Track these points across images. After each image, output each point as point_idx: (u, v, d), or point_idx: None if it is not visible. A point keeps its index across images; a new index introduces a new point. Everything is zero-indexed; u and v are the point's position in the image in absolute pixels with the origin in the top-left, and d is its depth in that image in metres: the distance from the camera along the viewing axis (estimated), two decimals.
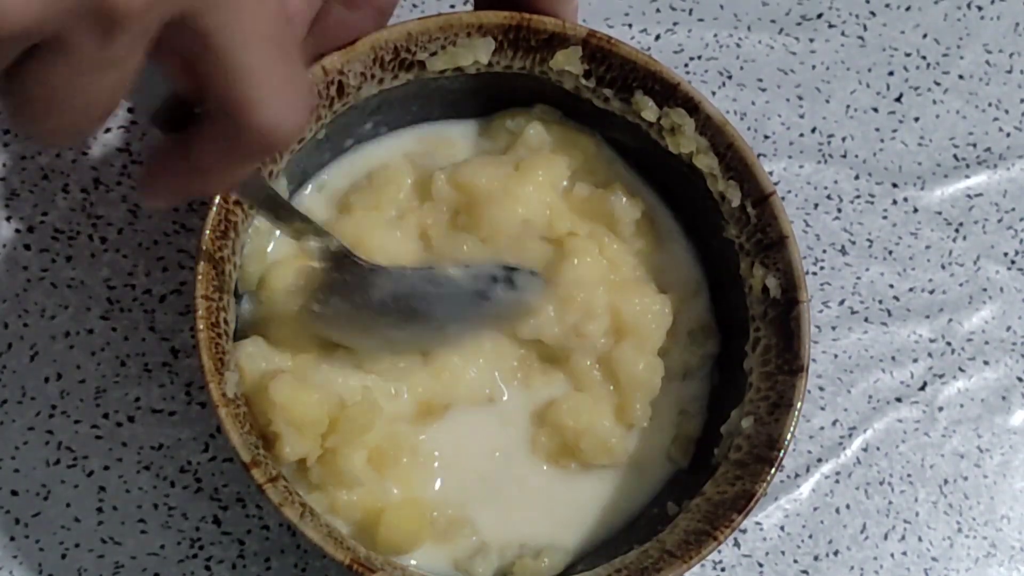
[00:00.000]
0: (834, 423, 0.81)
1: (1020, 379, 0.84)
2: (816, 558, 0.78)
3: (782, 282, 0.69)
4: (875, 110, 0.88)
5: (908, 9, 0.90)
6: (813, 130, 0.86)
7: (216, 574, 0.72)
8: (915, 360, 0.83)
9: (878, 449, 0.80)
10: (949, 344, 0.84)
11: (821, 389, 0.81)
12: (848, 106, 0.87)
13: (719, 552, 0.77)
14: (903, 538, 0.79)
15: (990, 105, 0.89)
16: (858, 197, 0.85)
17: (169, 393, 0.75)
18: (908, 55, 0.89)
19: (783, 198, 0.82)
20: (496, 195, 0.72)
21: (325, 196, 0.74)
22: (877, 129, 0.87)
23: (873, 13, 0.90)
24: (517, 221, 0.72)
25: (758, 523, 0.78)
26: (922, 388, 0.82)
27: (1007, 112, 0.89)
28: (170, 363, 0.75)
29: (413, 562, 0.69)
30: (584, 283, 0.71)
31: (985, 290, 0.85)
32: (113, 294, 0.76)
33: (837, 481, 0.79)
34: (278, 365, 0.68)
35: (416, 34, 0.69)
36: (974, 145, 0.88)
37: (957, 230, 0.86)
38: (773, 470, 0.66)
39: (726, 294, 0.74)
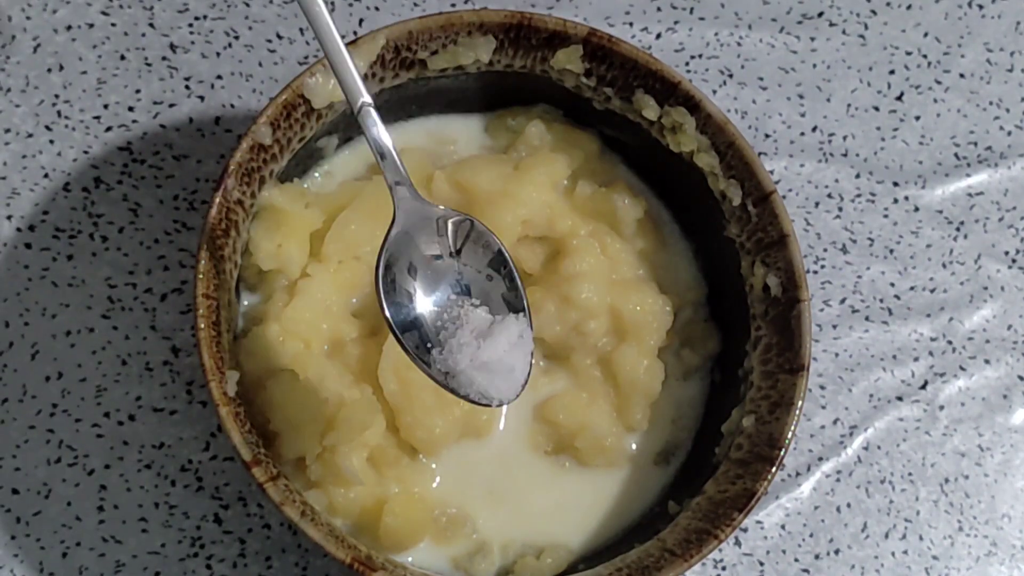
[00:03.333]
0: (835, 422, 0.81)
1: (1021, 378, 0.84)
2: (817, 557, 0.78)
3: (783, 281, 0.69)
4: (876, 109, 0.88)
5: (909, 8, 0.90)
6: (814, 129, 0.86)
7: (217, 573, 0.72)
8: (916, 359, 0.83)
9: (879, 448, 0.80)
10: (950, 343, 0.84)
11: (822, 388, 0.81)
12: (849, 105, 0.87)
13: (720, 551, 0.77)
14: (904, 537, 0.79)
15: (991, 104, 0.89)
16: (859, 196, 0.85)
17: (170, 392, 0.75)
18: (909, 54, 0.89)
19: (784, 197, 0.82)
20: (495, 195, 0.72)
21: (329, 185, 0.75)
22: (878, 128, 0.87)
23: (874, 12, 0.90)
24: (517, 221, 0.72)
25: (759, 522, 0.78)
26: (923, 387, 0.82)
27: (1008, 111, 0.89)
28: (171, 362, 0.75)
29: (410, 559, 0.69)
30: (585, 282, 0.71)
31: (986, 288, 0.85)
32: (114, 293, 0.76)
33: (838, 480, 0.79)
34: (278, 364, 0.68)
35: (417, 33, 0.69)
36: (975, 144, 0.88)
37: (958, 229, 0.86)
38: (774, 469, 0.66)
39: (727, 293, 0.74)
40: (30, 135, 0.78)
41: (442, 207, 0.63)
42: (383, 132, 0.61)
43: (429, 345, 0.60)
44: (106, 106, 0.79)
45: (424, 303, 0.60)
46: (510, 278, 0.62)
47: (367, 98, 0.61)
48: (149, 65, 0.80)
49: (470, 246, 0.62)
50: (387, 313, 0.59)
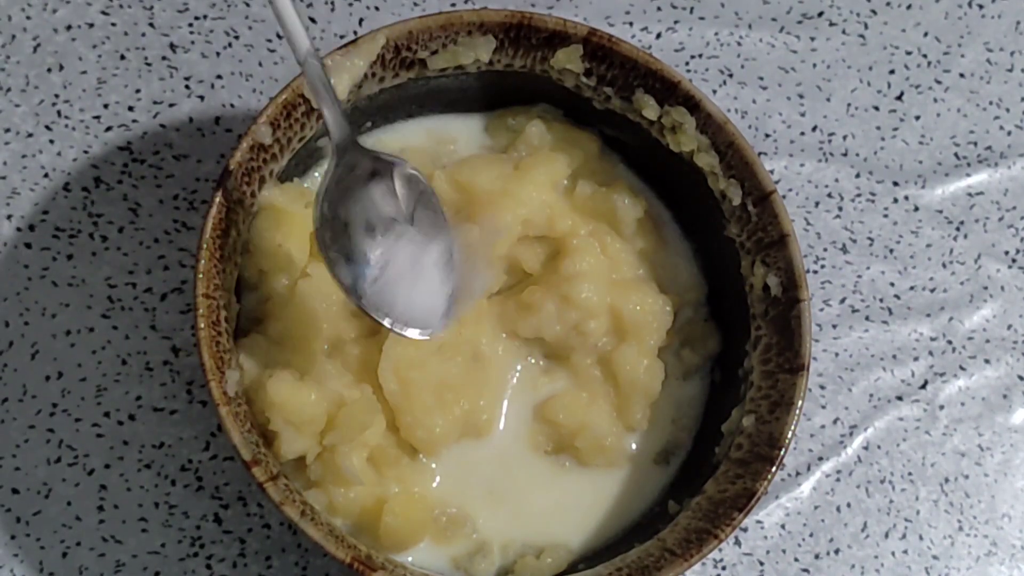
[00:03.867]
0: (835, 421, 0.81)
1: (1021, 377, 0.84)
2: (817, 556, 0.78)
3: (783, 280, 0.69)
4: (876, 108, 0.88)
5: (909, 7, 0.90)
6: (814, 128, 0.86)
7: (217, 573, 0.72)
8: (916, 358, 0.83)
9: (879, 447, 0.81)
10: (950, 342, 0.84)
11: (822, 387, 0.81)
12: (849, 104, 0.87)
13: (720, 550, 0.77)
14: (904, 536, 0.79)
15: (991, 103, 0.89)
16: (859, 195, 0.85)
17: (170, 391, 0.75)
18: (909, 53, 0.89)
19: (784, 196, 0.82)
20: (495, 195, 0.72)
21: None
22: (878, 127, 0.87)
23: (874, 11, 0.90)
24: (517, 220, 0.72)
25: (759, 521, 0.78)
26: (923, 386, 0.82)
27: (1008, 111, 0.89)
28: (171, 361, 0.75)
29: (410, 559, 0.69)
30: (585, 281, 0.71)
31: (986, 288, 0.85)
32: (114, 292, 0.76)
33: (838, 479, 0.79)
34: (278, 363, 0.68)
35: (417, 32, 0.69)
36: (975, 143, 0.88)
37: (958, 228, 0.86)
38: (774, 468, 0.66)
39: (727, 293, 0.74)
40: (30, 135, 0.78)
41: (384, 154, 0.65)
42: (325, 87, 0.62)
43: (367, 279, 0.63)
44: (106, 106, 0.79)
45: (363, 247, 0.64)
46: (433, 208, 0.65)
47: (308, 46, 0.61)
48: (149, 65, 0.80)
49: (406, 185, 0.65)
50: (328, 254, 0.63)
